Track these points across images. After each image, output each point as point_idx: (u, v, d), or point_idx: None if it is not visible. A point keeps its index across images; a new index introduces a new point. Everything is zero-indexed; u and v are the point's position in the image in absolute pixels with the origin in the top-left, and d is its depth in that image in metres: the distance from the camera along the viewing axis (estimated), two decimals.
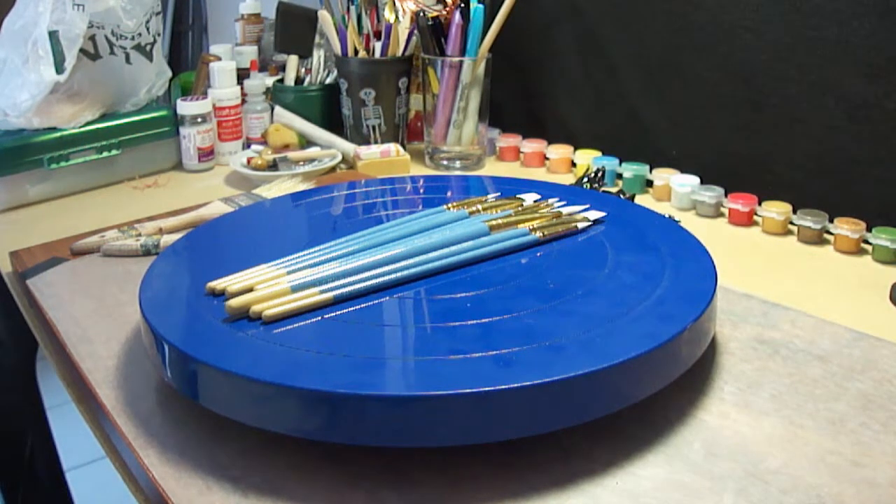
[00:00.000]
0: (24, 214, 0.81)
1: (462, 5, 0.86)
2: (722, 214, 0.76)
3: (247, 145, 0.98)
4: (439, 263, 0.49)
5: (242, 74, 0.99)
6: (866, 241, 0.66)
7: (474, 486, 0.37)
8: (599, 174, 0.78)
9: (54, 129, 0.83)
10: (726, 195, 0.75)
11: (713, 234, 0.70)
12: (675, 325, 0.42)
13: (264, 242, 0.56)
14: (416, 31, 0.92)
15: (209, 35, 2.12)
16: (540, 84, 0.98)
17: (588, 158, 0.86)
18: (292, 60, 1.02)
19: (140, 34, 0.88)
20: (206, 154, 0.93)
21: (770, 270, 0.64)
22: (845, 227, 0.66)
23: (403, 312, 0.45)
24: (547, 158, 0.91)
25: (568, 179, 0.87)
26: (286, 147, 0.92)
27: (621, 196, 0.72)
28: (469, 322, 0.43)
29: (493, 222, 0.54)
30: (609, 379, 0.39)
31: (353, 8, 0.94)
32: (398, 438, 0.37)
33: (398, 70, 0.94)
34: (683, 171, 0.80)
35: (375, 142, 0.95)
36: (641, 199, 0.77)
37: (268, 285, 0.46)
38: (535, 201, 0.60)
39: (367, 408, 0.37)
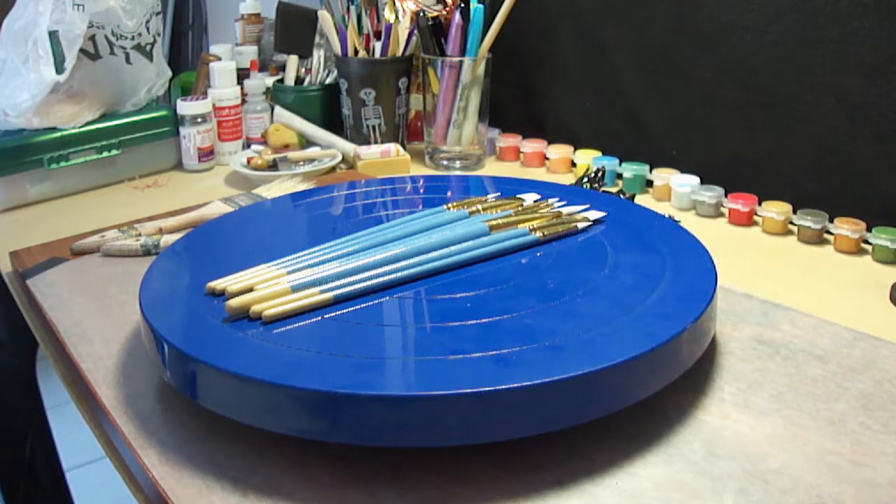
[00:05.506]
0: (24, 214, 0.81)
1: (462, 5, 0.86)
2: (722, 214, 0.76)
3: (247, 145, 0.98)
4: (439, 263, 0.49)
5: (242, 74, 0.99)
6: (866, 241, 0.66)
7: (474, 486, 0.37)
8: (599, 174, 0.78)
9: (54, 129, 0.83)
10: (726, 195, 0.75)
11: (713, 234, 0.70)
12: (675, 325, 0.42)
13: (264, 242, 0.56)
14: (416, 31, 0.92)
15: (209, 35, 2.12)
16: (540, 84, 0.98)
17: (588, 158, 0.86)
18: (292, 60, 1.02)
19: (140, 34, 0.88)
20: (206, 154, 0.93)
21: (770, 270, 0.64)
22: (845, 227, 0.66)
23: (403, 312, 0.45)
24: (547, 158, 0.91)
25: (568, 179, 0.87)
26: (286, 147, 0.92)
27: (621, 196, 0.72)
28: (469, 322, 0.43)
29: (493, 222, 0.54)
30: (609, 379, 0.39)
31: (353, 8, 0.94)
32: (398, 438, 0.37)
33: (398, 70, 0.94)
34: (683, 171, 0.80)
35: (375, 142, 0.95)
36: (641, 199, 0.77)
37: (268, 285, 0.46)
38: (535, 201, 0.60)
39: (367, 408, 0.37)
